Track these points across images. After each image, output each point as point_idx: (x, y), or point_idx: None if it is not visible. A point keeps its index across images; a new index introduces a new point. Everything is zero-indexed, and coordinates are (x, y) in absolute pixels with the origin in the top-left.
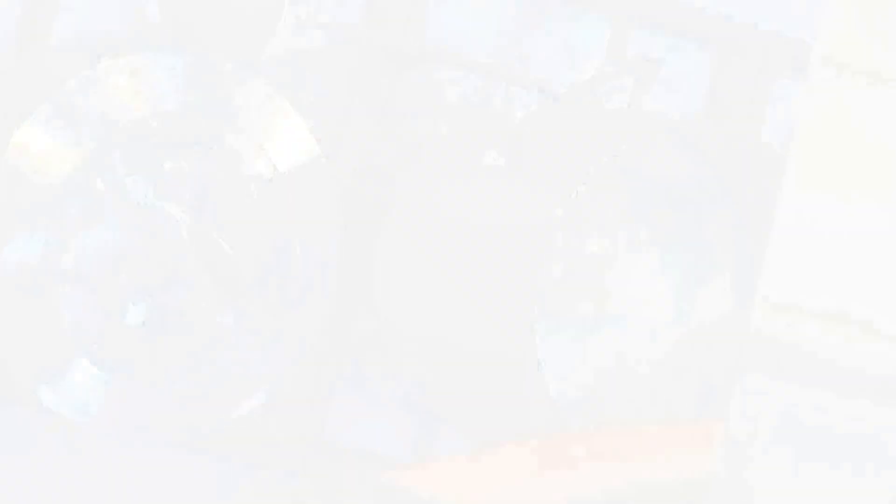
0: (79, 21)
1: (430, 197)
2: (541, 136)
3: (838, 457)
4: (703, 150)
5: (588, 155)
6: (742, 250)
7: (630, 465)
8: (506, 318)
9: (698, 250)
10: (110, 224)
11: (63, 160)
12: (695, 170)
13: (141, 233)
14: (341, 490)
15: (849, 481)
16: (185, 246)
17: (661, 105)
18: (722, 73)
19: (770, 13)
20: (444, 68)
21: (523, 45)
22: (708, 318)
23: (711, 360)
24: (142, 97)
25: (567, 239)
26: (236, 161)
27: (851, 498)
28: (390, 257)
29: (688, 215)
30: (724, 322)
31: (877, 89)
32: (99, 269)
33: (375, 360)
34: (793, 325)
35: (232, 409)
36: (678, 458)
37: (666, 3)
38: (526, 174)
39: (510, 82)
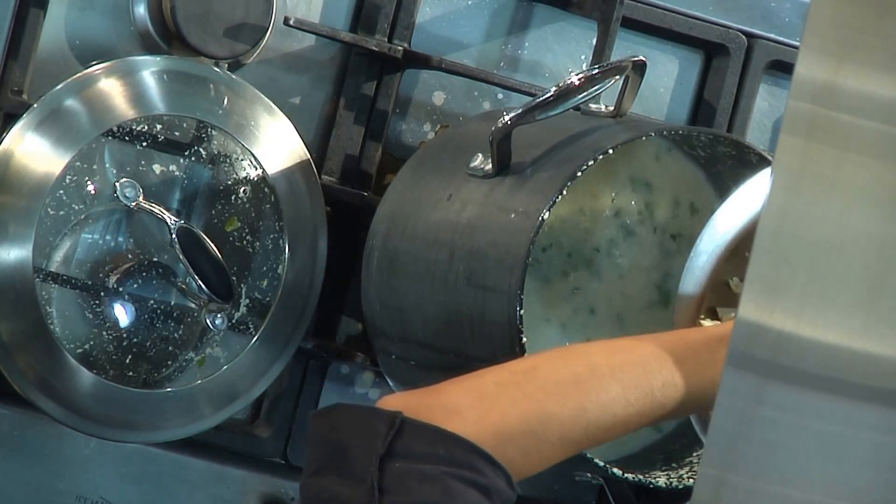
0: (68, 24)
1: (418, 199)
2: (527, 140)
3: (827, 458)
4: (690, 152)
5: (575, 158)
6: None
7: None
8: (496, 318)
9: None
10: (100, 226)
11: (52, 163)
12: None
13: (131, 235)
14: None
15: (841, 482)
16: (175, 248)
17: (647, 108)
18: (708, 76)
19: (756, 15)
20: (431, 72)
21: (510, 48)
22: None
23: None
24: (131, 100)
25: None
26: (225, 164)
27: (845, 497)
28: (378, 260)
29: (677, 218)
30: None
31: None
32: (88, 271)
33: (365, 359)
34: (779, 325)
35: (224, 410)
36: None
37: (652, 5)
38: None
39: (496, 85)
